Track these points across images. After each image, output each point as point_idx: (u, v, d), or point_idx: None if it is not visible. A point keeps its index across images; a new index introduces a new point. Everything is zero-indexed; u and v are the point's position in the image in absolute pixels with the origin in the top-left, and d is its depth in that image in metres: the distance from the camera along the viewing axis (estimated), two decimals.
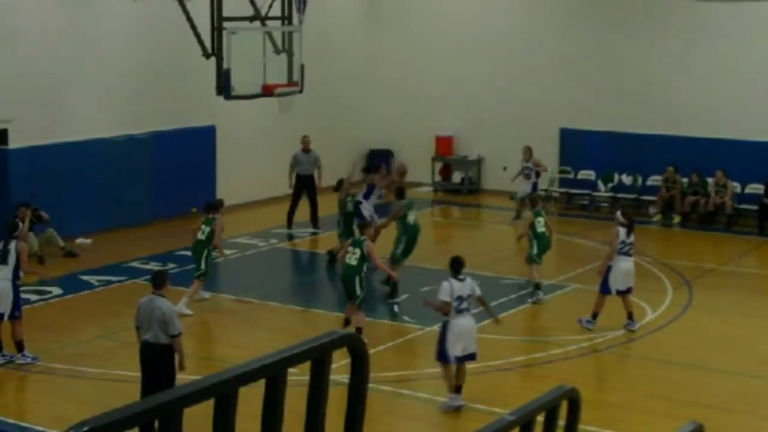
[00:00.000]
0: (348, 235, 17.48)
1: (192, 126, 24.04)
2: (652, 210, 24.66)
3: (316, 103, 25.50)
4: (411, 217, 18.23)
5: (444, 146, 28.22)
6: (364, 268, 15.25)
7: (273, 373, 3.14)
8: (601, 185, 25.86)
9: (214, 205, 17.70)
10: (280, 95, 20.13)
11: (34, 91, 20.92)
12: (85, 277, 18.94)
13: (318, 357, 3.31)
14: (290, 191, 23.04)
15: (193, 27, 19.51)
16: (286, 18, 20.79)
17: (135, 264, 19.83)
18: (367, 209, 19.12)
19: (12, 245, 14.45)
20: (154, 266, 18.58)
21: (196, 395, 2.89)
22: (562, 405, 3.90)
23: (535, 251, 17.94)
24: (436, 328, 15.78)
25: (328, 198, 20.80)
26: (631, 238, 15.97)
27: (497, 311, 14.76)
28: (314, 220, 22.92)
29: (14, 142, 20.73)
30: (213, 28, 19.48)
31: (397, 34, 28.61)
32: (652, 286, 18.25)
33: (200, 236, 17.13)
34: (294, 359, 3.18)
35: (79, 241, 21.21)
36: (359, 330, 14.74)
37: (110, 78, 22.39)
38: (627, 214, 16.73)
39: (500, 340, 14.99)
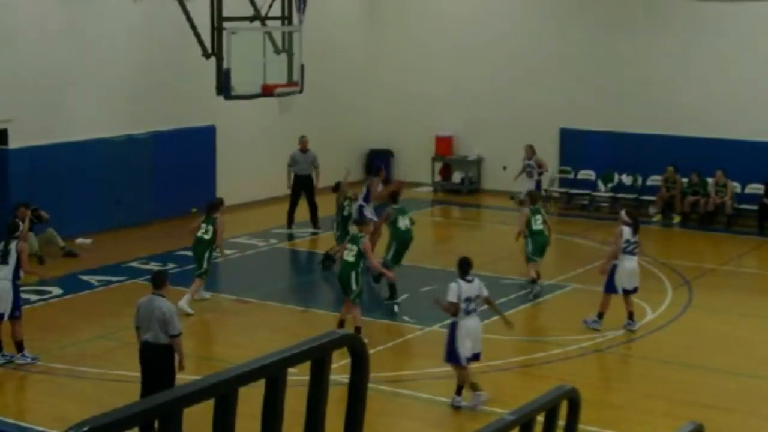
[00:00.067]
0: (346, 237, 17.48)
1: (192, 126, 24.04)
2: (652, 210, 24.65)
3: (316, 103, 25.50)
4: (402, 223, 17.95)
5: (444, 146, 28.22)
6: (361, 265, 15.28)
7: (273, 373, 3.14)
8: (601, 185, 25.86)
9: (215, 205, 17.72)
10: (280, 95, 20.13)
11: (34, 91, 20.92)
12: (85, 277, 18.94)
13: (318, 357, 3.31)
14: (289, 191, 23.05)
15: (193, 27, 19.51)
16: (286, 18, 20.79)
17: (135, 264, 19.83)
18: (369, 211, 19.08)
19: (12, 245, 14.46)
20: (154, 266, 18.58)
21: (196, 395, 2.89)
22: (562, 405, 3.90)
23: (530, 249, 17.95)
24: (437, 328, 15.84)
25: (328, 198, 20.78)
26: (636, 238, 15.97)
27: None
28: (314, 220, 22.92)
29: (14, 142, 20.73)
30: (213, 28, 19.48)
31: (397, 34, 28.61)
32: (652, 286, 18.23)
33: (203, 236, 17.14)
34: (294, 359, 3.18)
35: (79, 241, 21.21)
36: (358, 329, 14.75)
37: (110, 78, 22.39)
38: (631, 213, 16.71)
39: (500, 340, 14.99)
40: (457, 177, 28.21)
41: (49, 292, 17.85)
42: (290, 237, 22.78)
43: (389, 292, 17.58)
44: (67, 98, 21.66)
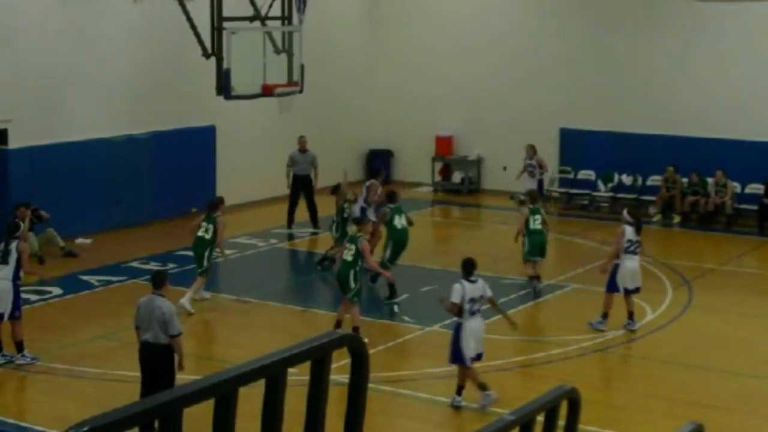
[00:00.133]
0: (344, 239, 17.50)
1: (192, 126, 24.04)
2: (652, 210, 24.65)
3: (316, 103, 25.50)
4: (398, 221, 17.99)
5: (444, 146, 28.22)
6: (359, 264, 15.28)
7: (273, 373, 3.14)
8: (601, 185, 25.86)
9: (215, 204, 17.73)
10: (280, 95, 20.13)
11: (34, 91, 20.93)
12: (85, 277, 18.94)
13: (318, 357, 3.31)
14: (288, 191, 23.05)
15: (193, 27, 19.50)
16: (286, 18, 20.79)
17: (135, 264, 19.83)
18: (370, 213, 19.09)
19: (13, 245, 14.46)
20: (154, 266, 18.58)
21: (196, 395, 2.89)
22: (562, 405, 3.90)
23: (526, 248, 17.99)
24: (437, 328, 15.85)
25: (327, 198, 20.77)
26: (638, 237, 15.95)
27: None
28: (313, 220, 22.93)
29: (14, 142, 20.73)
30: (213, 28, 19.48)
31: (397, 35, 28.61)
32: (652, 286, 18.22)
33: (204, 235, 17.15)
34: (294, 359, 3.18)
35: (79, 241, 21.21)
36: (356, 329, 14.74)
37: (110, 78, 22.39)
38: (634, 212, 16.69)
39: (500, 340, 14.98)
40: (457, 177, 28.20)
41: (49, 292, 17.85)
42: (290, 237, 22.78)
43: (389, 291, 17.59)
44: (67, 98, 21.66)
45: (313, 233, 22.92)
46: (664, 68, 25.23)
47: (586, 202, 25.95)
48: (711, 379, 14.29)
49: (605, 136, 25.85)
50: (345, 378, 3.46)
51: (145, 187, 23.14)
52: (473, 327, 12.78)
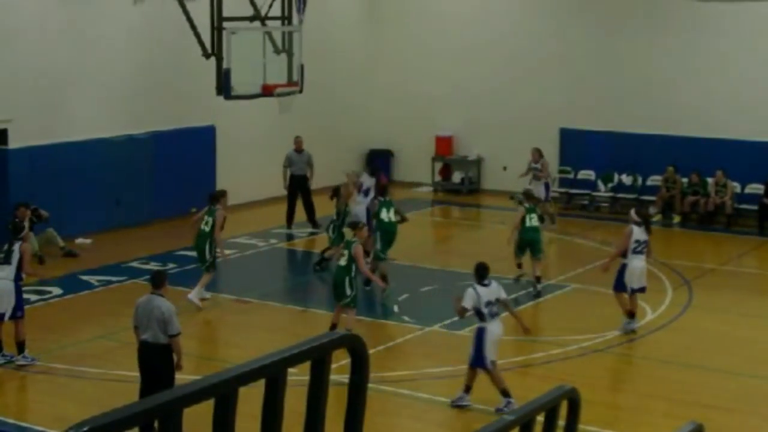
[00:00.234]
0: (341, 240, 17.55)
1: (192, 126, 24.04)
2: (652, 210, 24.59)
3: (316, 103, 25.50)
4: (385, 215, 18.17)
5: (444, 146, 28.22)
6: (354, 269, 15.24)
7: (273, 373, 3.14)
8: (601, 185, 25.86)
9: (216, 196, 17.72)
10: (280, 95, 20.12)
11: (34, 91, 20.93)
12: (85, 277, 18.94)
13: (318, 357, 3.31)
14: (286, 192, 23.07)
15: (193, 27, 19.50)
16: (286, 18, 20.78)
17: (135, 264, 19.83)
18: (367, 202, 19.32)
19: (15, 246, 14.46)
20: (154, 266, 18.58)
21: (196, 395, 2.89)
22: (562, 405, 3.90)
23: (515, 245, 18.14)
24: (437, 328, 15.85)
25: (325, 198, 20.72)
26: (647, 237, 15.91)
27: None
28: (311, 220, 22.94)
29: (14, 142, 20.74)
30: (213, 28, 19.47)
31: (397, 35, 28.61)
32: (652, 286, 18.16)
33: (204, 227, 17.18)
34: (294, 359, 3.18)
35: (79, 241, 21.21)
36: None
37: (110, 78, 22.39)
38: (641, 212, 16.61)
39: (500, 340, 14.95)
40: (457, 177, 28.20)
41: (49, 292, 17.85)
42: (290, 237, 22.79)
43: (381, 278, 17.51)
44: (67, 98, 21.66)
45: (313, 233, 22.91)
46: (664, 68, 25.23)
47: (586, 202, 25.95)
48: (711, 379, 14.29)
49: (605, 136, 25.84)
50: (345, 378, 3.46)
51: (145, 187, 23.14)
52: (494, 331, 12.82)
